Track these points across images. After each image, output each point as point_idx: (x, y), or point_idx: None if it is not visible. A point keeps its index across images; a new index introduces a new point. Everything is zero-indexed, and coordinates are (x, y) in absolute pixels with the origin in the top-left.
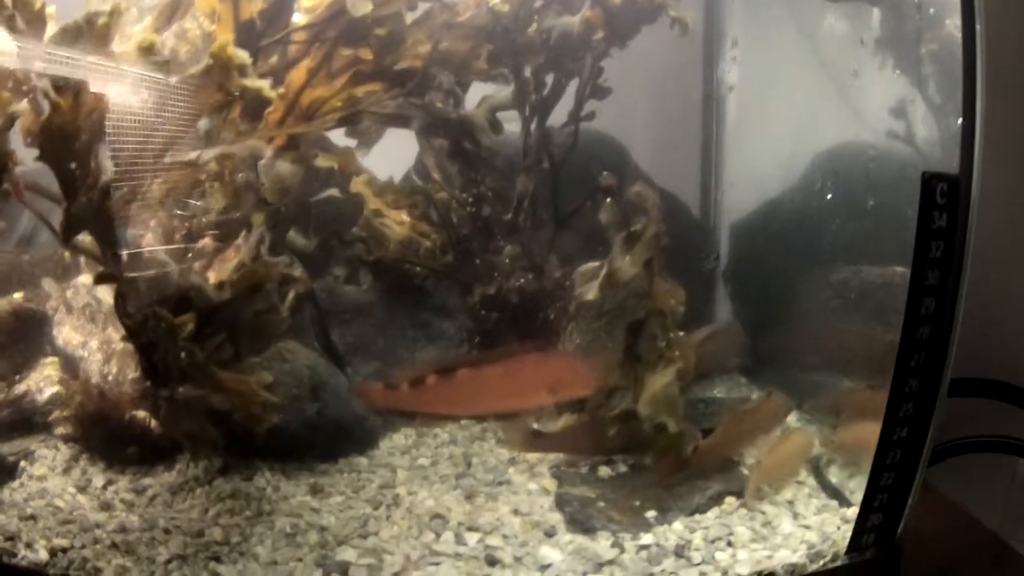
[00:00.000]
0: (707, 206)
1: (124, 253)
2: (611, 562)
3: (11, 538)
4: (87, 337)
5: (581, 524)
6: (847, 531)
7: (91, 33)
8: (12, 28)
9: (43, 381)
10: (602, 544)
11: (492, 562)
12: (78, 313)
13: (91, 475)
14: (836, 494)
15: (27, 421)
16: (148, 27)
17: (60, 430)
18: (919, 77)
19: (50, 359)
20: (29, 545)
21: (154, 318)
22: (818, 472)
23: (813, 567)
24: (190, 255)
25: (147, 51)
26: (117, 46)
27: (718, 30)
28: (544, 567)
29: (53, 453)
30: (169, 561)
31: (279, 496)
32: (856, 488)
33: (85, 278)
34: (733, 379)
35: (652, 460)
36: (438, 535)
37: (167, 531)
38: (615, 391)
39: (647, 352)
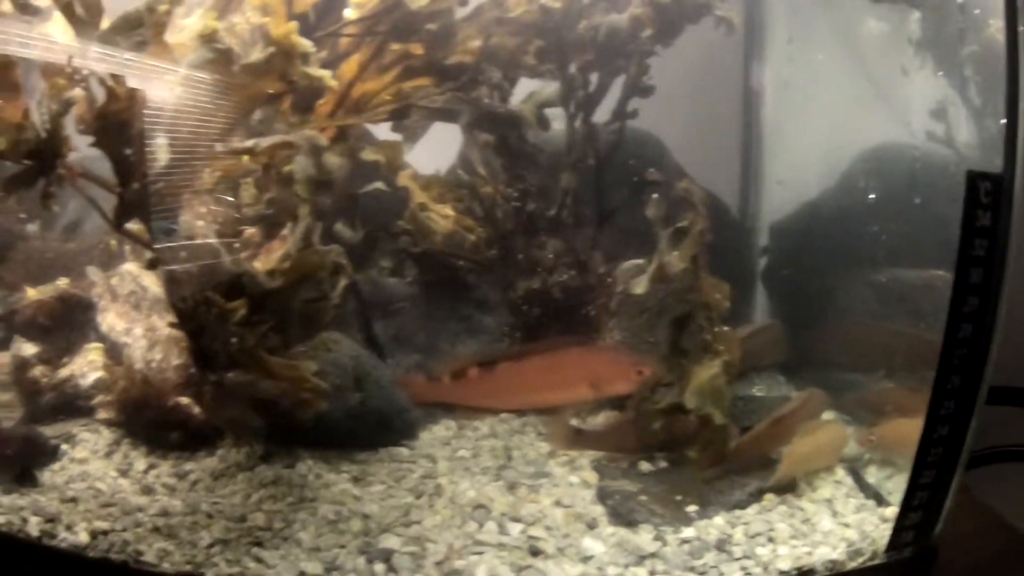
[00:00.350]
0: (746, 205)
1: (176, 240)
2: (653, 555)
3: (51, 520)
4: (131, 324)
5: (623, 517)
6: (885, 530)
7: (151, 21)
8: (70, 15)
9: (87, 366)
10: (644, 537)
11: (535, 552)
12: (123, 300)
13: (133, 459)
14: (873, 494)
15: (69, 405)
16: (209, 15)
17: (102, 414)
18: (960, 79)
19: (94, 345)
20: (69, 527)
21: (205, 303)
22: (856, 473)
23: (852, 564)
24: (237, 244)
25: (209, 38)
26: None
27: (759, 29)
28: (587, 559)
29: (95, 437)
30: (211, 545)
31: (321, 483)
32: (894, 489)
33: (130, 266)
34: (772, 378)
35: (696, 452)
36: (481, 525)
37: (209, 515)
38: (660, 384)
39: (693, 345)
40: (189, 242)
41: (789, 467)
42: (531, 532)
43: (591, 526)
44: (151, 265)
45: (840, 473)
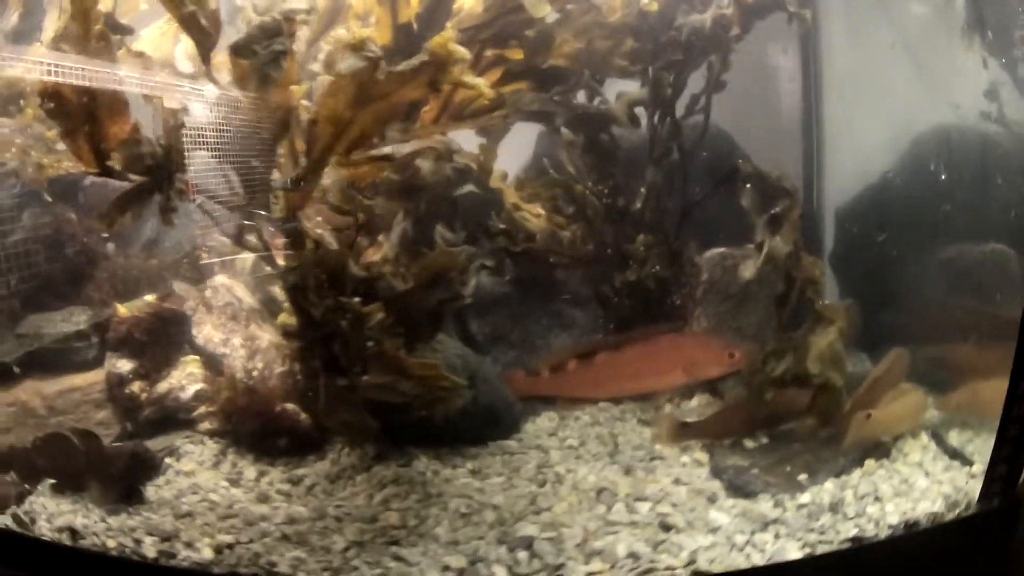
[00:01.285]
0: (810, 191)
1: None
2: (776, 521)
3: (168, 538)
4: (228, 335)
5: (740, 489)
6: (975, 485)
7: (288, 30)
8: (193, 27)
9: (186, 379)
10: (764, 505)
11: (667, 527)
12: (218, 312)
13: (241, 468)
14: (957, 455)
15: (170, 418)
16: (353, 24)
17: (205, 425)
18: (1012, 60)
19: (191, 357)
20: (189, 544)
21: (339, 309)
22: (938, 436)
23: (951, 515)
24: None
25: (359, 47)
26: None
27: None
28: (715, 529)
29: (199, 448)
30: (346, 549)
31: (441, 479)
32: (973, 451)
33: (223, 278)
34: (855, 355)
35: (811, 417)
36: (609, 507)
37: (338, 519)
38: (770, 357)
39: (807, 315)
40: (314, 249)
41: (877, 429)
42: (659, 509)
43: (712, 500)
44: (286, 271)
45: (925, 439)
